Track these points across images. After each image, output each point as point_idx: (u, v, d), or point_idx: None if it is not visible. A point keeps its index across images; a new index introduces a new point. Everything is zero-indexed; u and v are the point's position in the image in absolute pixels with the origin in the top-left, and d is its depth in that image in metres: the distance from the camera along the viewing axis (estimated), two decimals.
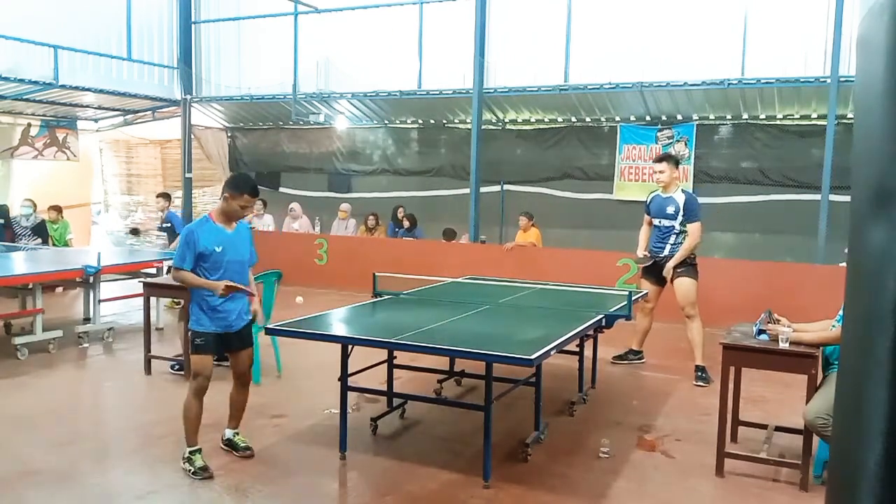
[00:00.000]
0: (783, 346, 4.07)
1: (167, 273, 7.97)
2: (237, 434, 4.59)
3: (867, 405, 1.21)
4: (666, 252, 6.49)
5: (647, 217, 6.72)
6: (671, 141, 10.52)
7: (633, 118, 10.81)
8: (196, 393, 4.26)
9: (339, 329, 4.75)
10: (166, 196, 9.91)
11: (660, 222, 6.55)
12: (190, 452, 4.23)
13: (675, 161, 6.64)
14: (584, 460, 4.56)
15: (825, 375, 4.17)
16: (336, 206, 12.30)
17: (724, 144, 10.51)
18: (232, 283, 4.22)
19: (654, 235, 6.64)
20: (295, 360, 6.60)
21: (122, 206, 15.64)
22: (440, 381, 5.73)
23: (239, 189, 4.29)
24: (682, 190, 6.55)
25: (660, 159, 6.61)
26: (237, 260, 4.35)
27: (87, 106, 13.01)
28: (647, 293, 6.44)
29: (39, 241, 10.26)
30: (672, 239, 6.47)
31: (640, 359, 6.99)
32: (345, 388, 4.50)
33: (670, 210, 6.42)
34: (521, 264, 9.47)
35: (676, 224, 6.42)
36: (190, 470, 4.17)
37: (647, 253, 6.66)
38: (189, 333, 4.37)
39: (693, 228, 6.35)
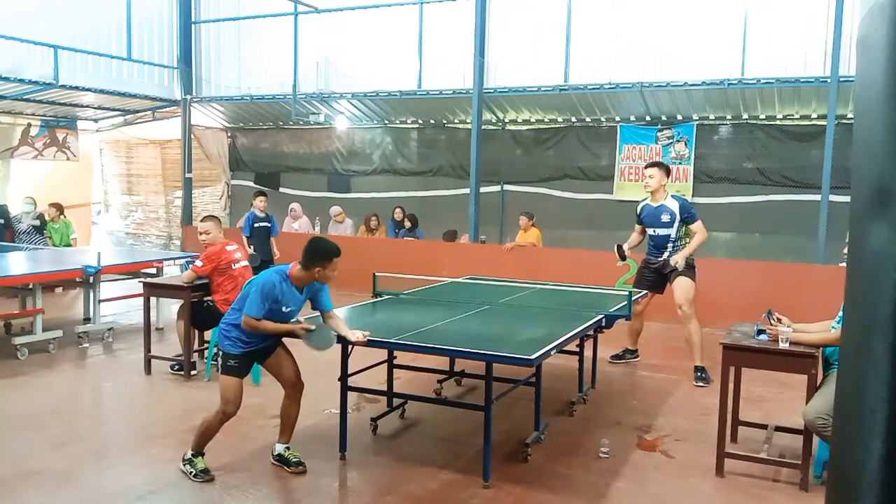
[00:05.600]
0: (783, 346, 4.07)
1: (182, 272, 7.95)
2: (289, 449, 4.36)
3: (867, 405, 1.21)
4: (664, 257, 6.53)
5: (637, 226, 6.76)
6: (671, 141, 10.52)
7: (633, 118, 10.81)
8: (222, 420, 4.14)
9: None
10: (265, 195, 9.48)
11: (654, 231, 6.56)
12: (193, 455, 4.20)
13: (666, 168, 6.61)
14: (584, 460, 4.56)
15: (825, 375, 4.17)
16: (338, 205, 12.29)
17: (724, 144, 10.50)
18: (304, 324, 4.12)
19: (650, 245, 6.66)
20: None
21: (122, 206, 15.65)
22: (440, 381, 5.73)
23: (329, 257, 4.08)
24: (672, 196, 6.53)
25: (651, 164, 6.62)
26: (293, 317, 4.26)
27: (87, 106, 13.01)
28: (646, 294, 6.47)
29: (38, 235, 10.28)
30: (670, 247, 6.51)
31: (635, 356, 7.03)
32: (345, 388, 4.50)
33: (665, 218, 6.45)
34: (521, 264, 9.47)
35: (673, 232, 6.46)
36: (191, 472, 4.14)
37: (628, 252, 6.73)
38: (222, 355, 4.19)
39: (698, 227, 6.41)
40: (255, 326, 4.08)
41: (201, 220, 6.40)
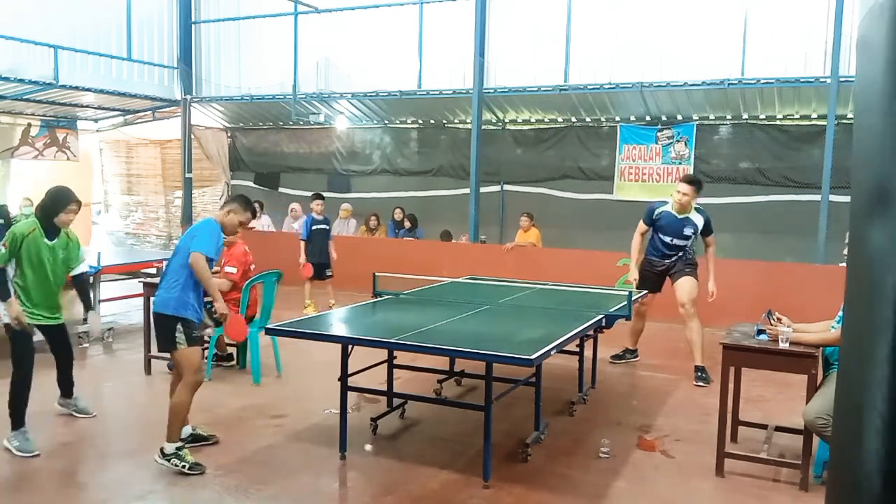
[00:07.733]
0: (783, 346, 4.07)
1: None
2: (195, 429, 4.63)
3: (867, 405, 1.21)
4: (670, 262, 6.55)
5: (643, 226, 6.62)
6: (671, 141, 10.52)
7: (633, 118, 10.81)
8: (194, 389, 4.26)
9: (339, 329, 4.75)
10: (322, 198, 9.52)
11: (671, 240, 6.48)
12: (176, 448, 4.19)
13: (700, 186, 6.45)
14: (584, 460, 4.56)
15: (825, 375, 4.17)
16: (336, 206, 12.29)
17: (724, 144, 10.50)
18: (225, 312, 4.35)
19: (659, 249, 6.57)
20: (295, 360, 6.60)
21: (122, 206, 15.66)
22: (440, 381, 5.73)
23: (247, 207, 4.44)
24: (697, 209, 6.44)
25: (690, 181, 6.36)
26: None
27: (87, 106, 13.02)
28: (646, 294, 6.47)
29: None
30: (680, 253, 6.52)
31: (635, 356, 7.03)
32: (345, 388, 4.50)
33: (688, 232, 6.43)
34: (521, 264, 9.47)
35: (689, 243, 6.49)
36: (183, 466, 4.13)
37: (636, 278, 6.55)
38: (185, 324, 4.21)
39: (712, 238, 6.53)
40: (203, 270, 4.11)
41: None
